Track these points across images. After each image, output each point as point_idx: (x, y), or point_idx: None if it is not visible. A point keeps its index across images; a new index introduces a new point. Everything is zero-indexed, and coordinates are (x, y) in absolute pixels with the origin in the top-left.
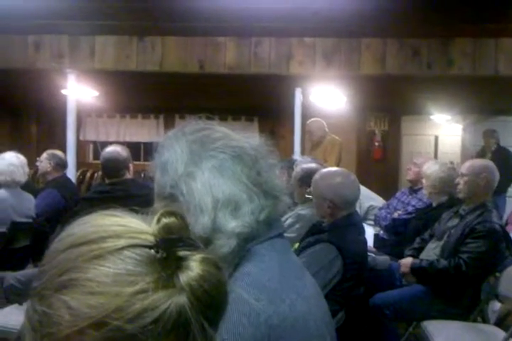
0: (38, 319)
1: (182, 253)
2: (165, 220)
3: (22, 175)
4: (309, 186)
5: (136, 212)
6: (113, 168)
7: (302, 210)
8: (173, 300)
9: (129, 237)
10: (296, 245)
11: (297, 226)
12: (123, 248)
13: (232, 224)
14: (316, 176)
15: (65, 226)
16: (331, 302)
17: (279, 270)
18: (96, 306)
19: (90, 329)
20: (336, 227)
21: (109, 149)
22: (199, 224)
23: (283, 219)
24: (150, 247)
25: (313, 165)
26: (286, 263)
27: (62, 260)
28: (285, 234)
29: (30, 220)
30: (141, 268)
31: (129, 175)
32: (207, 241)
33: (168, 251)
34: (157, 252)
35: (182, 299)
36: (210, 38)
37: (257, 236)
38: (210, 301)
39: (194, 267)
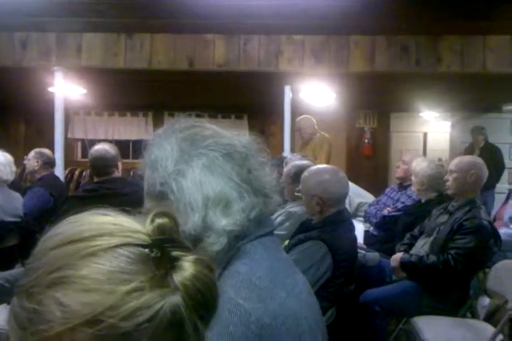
0: (27, 316)
1: (176, 253)
2: (159, 220)
3: (9, 173)
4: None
5: (127, 211)
6: (101, 166)
7: (293, 208)
8: (167, 299)
9: (122, 236)
10: (286, 242)
11: (288, 223)
12: (117, 246)
13: (223, 222)
14: (305, 173)
15: (54, 224)
16: (321, 300)
17: (269, 268)
18: (89, 303)
19: (83, 326)
20: (325, 224)
21: (98, 147)
22: (189, 222)
23: (273, 216)
24: (144, 246)
25: (304, 162)
26: (276, 261)
27: (53, 257)
28: (276, 232)
29: (19, 219)
30: (135, 266)
31: (117, 174)
32: (197, 239)
33: (162, 250)
34: (151, 251)
35: (176, 298)
36: (199, 35)
37: (247, 234)
38: (203, 301)
39: (187, 267)
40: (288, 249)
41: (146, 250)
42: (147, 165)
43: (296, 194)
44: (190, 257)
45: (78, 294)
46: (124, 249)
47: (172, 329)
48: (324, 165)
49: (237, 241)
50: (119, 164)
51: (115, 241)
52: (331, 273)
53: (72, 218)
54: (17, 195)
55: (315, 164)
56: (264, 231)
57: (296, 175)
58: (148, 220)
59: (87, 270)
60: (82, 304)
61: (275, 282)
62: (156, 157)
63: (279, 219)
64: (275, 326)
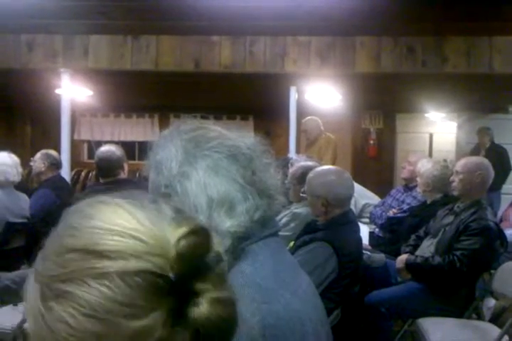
0: (38, 314)
1: (198, 287)
2: (186, 242)
3: (15, 175)
4: None
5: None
6: (107, 167)
7: (297, 209)
8: (178, 340)
9: (141, 259)
10: (291, 244)
11: (292, 224)
12: (133, 272)
13: (227, 224)
14: (310, 174)
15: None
16: (326, 301)
17: (273, 269)
18: (95, 334)
19: None
20: (330, 226)
21: (104, 149)
22: None
23: (278, 217)
24: (163, 276)
25: (310, 163)
26: (280, 262)
27: (67, 263)
28: (280, 233)
29: (25, 220)
30: (150, 299)
31: (123, 175)
32: None
33: (184, 284)
34: (171, 284)
35: (186, 338)
36: (204, 36)
37: (251, 235)
38: (221, 339)
39: (205, 308)
40: (293, 251)
41: (164, 282)
42: (152, 166)
43: (301, 195)
44: (211, 296)
45: (84, 318)
46: (141, 277)
47: None
48: (329, 166)
49: (241, 242)
50: (125, 165)
51: (133, 265)
52: (336, 275)
53: (96, 206)
54: (24, 196)
55: (321, 165)
56: (269, 232)
57: (302, 176)
58: (175, 239)
59: (94, 293)
60: (87, 332)
61: (279, 283)
62: (161, 158)
63: (283, 220)
64: (279, 327)
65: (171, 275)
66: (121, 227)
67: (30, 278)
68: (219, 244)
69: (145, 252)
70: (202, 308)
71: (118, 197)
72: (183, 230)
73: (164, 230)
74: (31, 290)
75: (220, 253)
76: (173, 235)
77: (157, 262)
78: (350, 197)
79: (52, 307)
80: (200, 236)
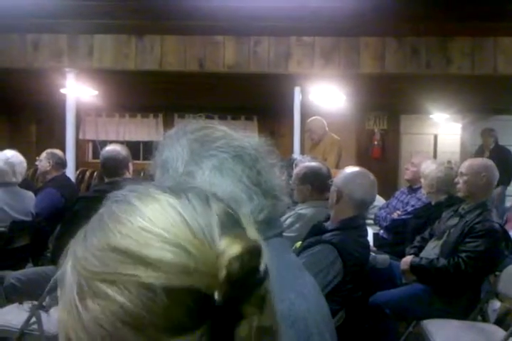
0: (73, 309)
1: (244, 309)
2: (238, 264)
3: (18, 173)
4: (311, 184)
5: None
6: (113, 167)
7: (302, 210)
8: None
9: (192, 276)
10: (298, 244)
11: (297, 225)
12: (180, 289)
13: None
14: (345, 170)
15: (66, 225)
16: (330, 303)
17: (277, 269)
18: None
19: None
20: (338, 229)
21: (109, 148)
22: None
23: (283, 218)
24: (211, 297)
25: (315, 163)
26: (285, 262)
27: (111, 263)
28: (285, 234)
29: (29, 218)
30: (193, 318)
31: (128, 175)
32: None
33: (229, 306)
34: (216, 305)
35: None
36: (209, 36)
37: None
38: None
39: (250, 331)
40: (299, 252)
41: (208, 302)
42: (158, 166)
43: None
44: (256, 320)
45: (122, 326)
46: (187, 294)
47: None
48: (360, 169)
49: None
50: (130, 165)
51: (180, 281)
52: (341, 278)
53: (145, 200)
54: (29, 193)
55: (325, 165)
56: (273, 233)
57: (305, 176)
58: (227, 259)
59: (137, 303)
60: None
61: (284, 283)
62: (167, 158)
63: (288, 221)
64: (284, 328)
65: (216, 296)
66: (172, 235)
67: (68, 263)
68: (266, 259)
69: (194, 269)
70: (243, 332)
71: (166, 190)
72: (236, 249)
73: (216, 244)
74: (68, 276)
75: (267, 271)
76: (226, 252)
77: (205, 281)
78: (365, 200)
79: (88, 306)
80: (254, 257)
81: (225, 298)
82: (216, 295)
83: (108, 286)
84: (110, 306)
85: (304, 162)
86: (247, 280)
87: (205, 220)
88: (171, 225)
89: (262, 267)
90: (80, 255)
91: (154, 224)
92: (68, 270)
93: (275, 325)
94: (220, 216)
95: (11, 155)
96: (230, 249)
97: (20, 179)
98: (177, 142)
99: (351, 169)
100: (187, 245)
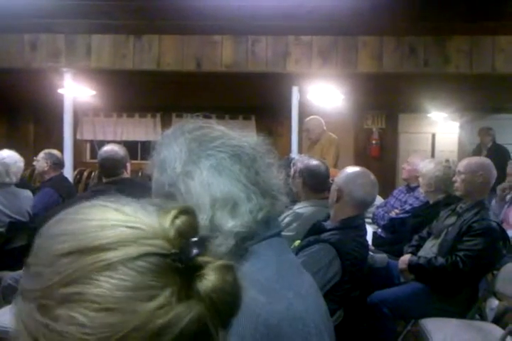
0: (40, 330)
1: (200, 260)
2: (180, 221)
3: (12, 173)
4: (312, 182)
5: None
6: (110, 167)
7: (300, 209)
8: (194, 312)
9: (141, 244)
10: (297, 243)
11: (295, 224)
12: (137, 257)
13: (230, 224)
14: (346, 170)
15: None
16: (329, 302)
17: (276, 269)
18: (112, 324)
19: None
20: (337, 228)
21: (107, 148)
22: None
23: (281, 217)
24: (165, 255)
25: (316, 161)
26: (283, 262)
27: (65, 267)
28: (283, 233)
29: (26, 218)
30: (158, 279)
31: (126, 174)
32: None
33: (185, 259)
34: (174, 261)
35: (202, 310)
36: (206, 36)
37: (254, 235)
38: (229, 310)
39: (212, 276)
40: (298, 250)
41: (169, 259)
42: (156, 165)
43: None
44: (215, 264)
45: (98, 313)
46: (145, 260)
47: (197, 340)
48: (362, 169)
49: (245, 243)
50: (128, 165)
51: (134, 250)
52: (339, 278)
53: (80, 211)
54: (26, 193)
55: (325, 164)
56: (272, 233)
57: (306, 174)
58: (168, 221)
59: (105, 287)
60: (103, 325)
61: (282, 283)
62: (165, 158)
63: (286, 220)
64: (282, 327)
65: (173, 251)
66: (113, 221)
67: (17, 303)
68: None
69: (143, 237)
70: (209, 278)
71: (100, 200)
72: (173, 213)
73: (155, 217)
74: (23, 315)
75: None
76: (165, 219)
77: (158, 243)
78: (365, 199)
79: (58, 316)
80: (191, 213)
81: (181, 252)
82: (173, 251)
83: (73, 286)
84: (81, 302)
85: (303, 161)
86: (194, 234)
87: (139, 207)
88: (111, 215)
89: (200, 222)
90: (27, 286)
91: (94, 220)
92: (18, 309)
93: (233, 264)
94: (151, 205)
95: (7, 155)
96: (167, 215)
97: (14, 179)
98: (174, 142)
99: (352, 169)
100: (130, 223)
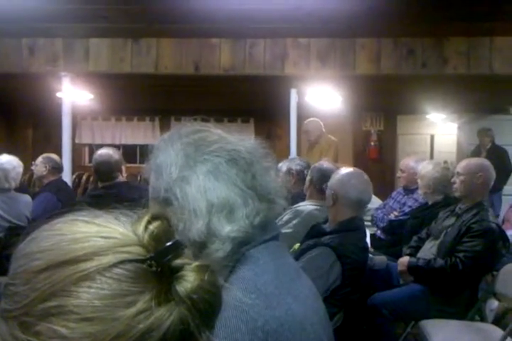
0: None
1: (176, 262)
2: (152, 226)
3: (11, 179)
4: (319, 183)
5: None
6: (105, 171)
7: (300, 206)
8: (175, 315)
9: (116, 252)
10: (297, 246)
11: (294, 222)
12: (113, 265)
13: (227, 229)
14: (337, 172)
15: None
16: (329, 306)
17: (274, 273)
18: (93, 334)
19: None
20: (337, 231)
21: (101, 152)
22: (194, 228)
23: (281, 216)
24: (142, 261)
25: (328, 165)
26: (281, 266)
27: (43, 282)
28: (281, 230)
29: (25, 223)
30: (136, 285)
31: (121, 178)
32: (201, 246)
33: (162, 263)
34: (150, 266)
35: (183, 312)
36: (204, 39)
37: (251, 240)
38: (210, 309)
39: (190, 277)
40: (297, 254)
41: (145, 265)
42: (152, 170)
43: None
44: (192, 265)
45: (79, 324)
46: (121, 268)
47: None
48: (353, 169)
49: (242, 247)
50: (123, 168)
51: (110, 259)
52: (340, 282)
53: (53, 228)
54: (25, 198)
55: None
56: (269, 236)
57: (319, 178)
58: (141, 228)
59: (84, 297)
60: (85, 335)
61: (281, 287)
62: (161, 162)
63: (286, 218)
64: (281, 332)
65: (149, 256)
66: (86, 233)
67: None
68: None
69: (118, 245)
70: (187, 279)
71: (71, 215)
72: (145, 219)
73: (128, 226)
74: (5, 334)
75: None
76: (138, 226)
77: (133, 250)
78: (361, 199)
79: (39, 331)
80: (163, 219)
81: (157, 255)
82: (148, 256)
83: (52, 300)
84: (62, 315)
85: (296, 163)
86: (167, 237)
87: (110, 218)
88: (82, 228)
89: (173, 226)
90: (3, 306)
91: (66, 235)
92: (3, 328)
93: (211, 265)
94: (122, 216)
95: (6, 160)
96: (139, 223)
97: (13, 185)
98: (171, 146)
99: (344, 170)
100: (103, 234)
